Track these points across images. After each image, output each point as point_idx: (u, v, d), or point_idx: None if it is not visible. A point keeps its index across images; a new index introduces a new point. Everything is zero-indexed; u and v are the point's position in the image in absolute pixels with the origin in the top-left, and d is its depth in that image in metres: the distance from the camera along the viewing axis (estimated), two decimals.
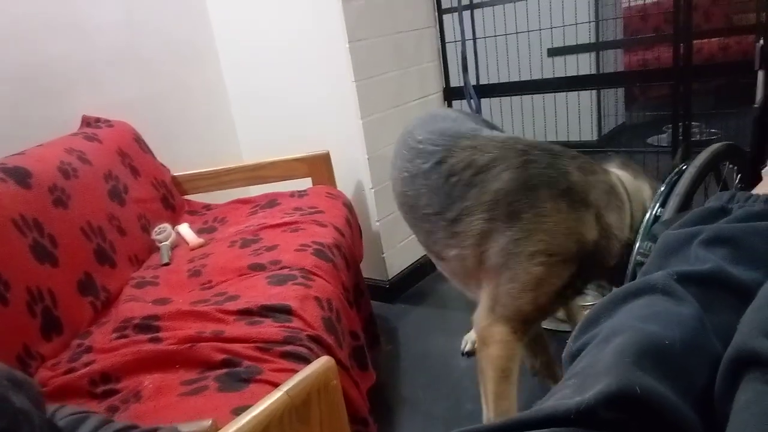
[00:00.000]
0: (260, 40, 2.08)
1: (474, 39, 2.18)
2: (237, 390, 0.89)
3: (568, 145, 1.22)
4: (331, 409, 0.73)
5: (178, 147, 2.06)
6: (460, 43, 2.15)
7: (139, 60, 1.96)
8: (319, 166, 1.91)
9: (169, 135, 2.05)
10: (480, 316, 1.15)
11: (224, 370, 0.95)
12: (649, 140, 2.98)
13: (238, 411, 0.78)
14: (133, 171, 1.69)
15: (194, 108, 2.16)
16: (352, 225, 1.77)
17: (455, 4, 2.13)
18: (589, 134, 3.05)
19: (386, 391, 1.63)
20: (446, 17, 2.19)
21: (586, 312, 0.70)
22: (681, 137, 1.76)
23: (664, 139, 2.77)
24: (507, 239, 1.09)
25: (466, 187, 1.15)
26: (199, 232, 1.68)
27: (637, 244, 0.94)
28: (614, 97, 2.97)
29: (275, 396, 0.66)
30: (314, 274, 1.31)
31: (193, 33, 2.14)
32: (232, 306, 1.15)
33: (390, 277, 2.15)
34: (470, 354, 1.73)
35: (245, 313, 1.12)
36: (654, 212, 1.01)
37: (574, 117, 2.29)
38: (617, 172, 1.16)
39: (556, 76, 2.17)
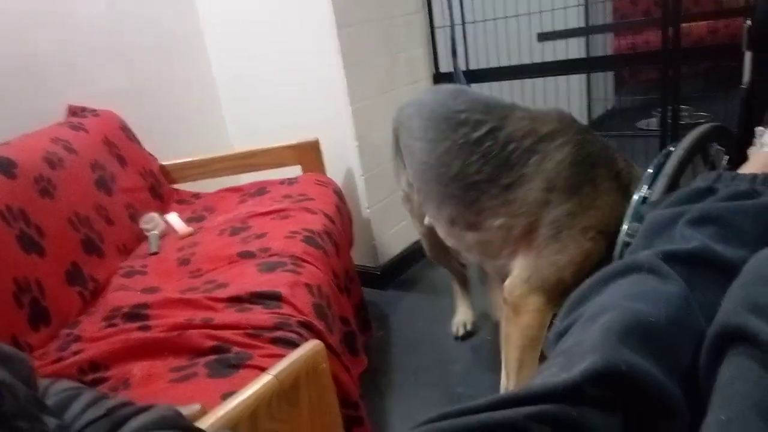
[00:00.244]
0: (248, 26, 2.05)
1: (463, 24, 2.17)
2: (226, 376, 0.89)
3: None
4: (320, 392, 0.73)
5: (166, 136, 2.05)
6: (449, 28, 2.14)
7: (124, 49, 1.93)
8: (309, 154, 1.89)
9: (157, 124, 2.03)
10: (513, 284, 1.18)
11: (214, 357, 0.95)
12: (639, 124, 2.98)
13: (228, 396, 0.78)
14: (120, 160, 1.67)
15: (182, 96, 2.14)
16: (343, 212, 1.76)
17: None
18: (579, 119, 3.04)
19: (378, 376, 1.63)
20: (435, 2, 2.18)
21: (574, 292, 0.71)
22: (670, 121, 1.77)
23: (653, 122, 2.77)
24: (562, 211, 1.12)
25: (526, 153, 1.16)
26: (187, 220, 1.67)
27: (625, 225, 0.95)
28: (603, 81, 2.97)
29: (264, 380, 0.66)
30: (304, 260, 1.30)
31: (180, 21, 2.12)
32: (221, 293, 1.14)
33: (381, 264, 2.15)
34: (465, 337, 1.74)
35: (235, 300, 1.12)
36: (642, 193, 1.01)
37: (563, 101, 2.29)
38: None
39: (545, 60, 2.16)
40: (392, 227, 2.15)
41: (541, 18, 2.14)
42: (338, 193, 1.80)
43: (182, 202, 1.86)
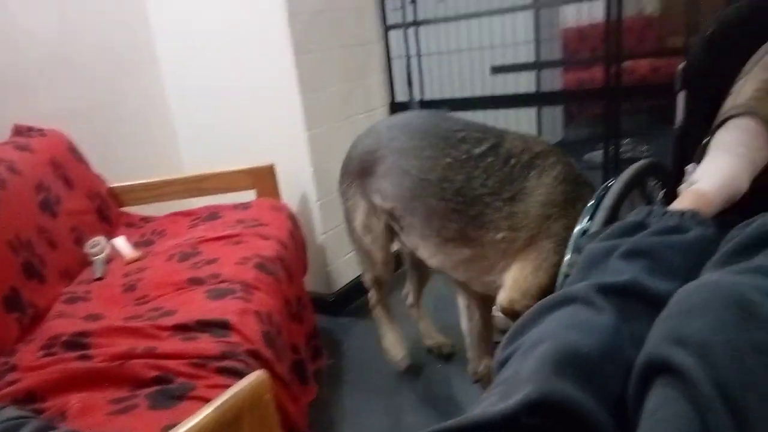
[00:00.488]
0: (204, 48, 2.05)
1: (419, 55, 2.23)
2: (168, 407, 0.87)
3: None
4: (263, 423, 0.73)
5: (116, 157, 2.00)
6: (405, 58, 2.19)
7: (74, 68, 1.90)
8: (264, 178, 1.89)
9: (107, 145, 1.99)
10: (512, 297, 1.21)
11: (156, 388, 0.92)
12: (585, 157, 3.10)
13: (169, 429, 0.76)
14: (66, 182, 1.63)
15: (133, 117, 2.11)
16: (297, 238, 1.76)
17: (401, 21, 2.17)
18: None
19: (328, 405, 1.62)
20: (392, 33, 2.23)
21: (515, 322, 0.73)
22: (612, 154, 1.85)
23: (598, 155, 2.89)
24: (561, 226, 1.18)
25: (525, 168, 1.23)
26: (135, 245, 1.63)
27: (567, 257, 0.98)
28: (553, 114, 3.08)
29: (205, 412, 0.65)
30: (255, 287, 1.29)
31: (133, 40, 2.10)
32: (167, 321, 1.12)
33: (335, 290, 2.15)
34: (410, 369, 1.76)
35: (181, 328, 1.09)
36: (582, 226, 1.05)
37: None
38: None
39: (498, 93, 2.23)
40: (347, 254, 2.15)
41: (492, 53, 2.21)
42: (293, 218, 1.80)
43: (131, 225, 1.82)
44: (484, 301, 1.46)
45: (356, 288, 2.21)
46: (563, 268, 0.97)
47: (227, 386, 0.87)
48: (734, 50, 1.06)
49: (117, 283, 1.38)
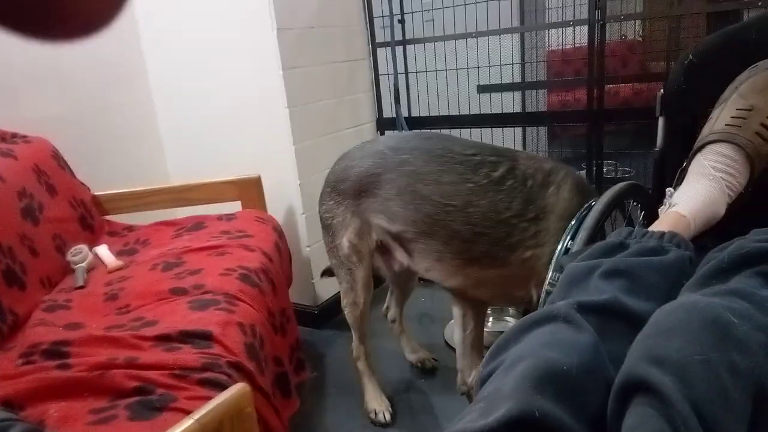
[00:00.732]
0: (192, 61, 2.06)
1: (406, 73, 2.26)
2: (148, 419, 0.86)
3: None
4: None
5: (101, 166, 1.99)
6: (393, 75, 2.22)
7: (62, 75, 1.89)
8: (250, 190, 1.89)
9: (93, 153, 1.98)
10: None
11: (136, 398, 0.92)
12: None
13: None
14: (49, 189, 1.61)
15: (120, 126, 2.10)
16: (282, 250, 1.76)
17: (389, 39, 2.20)
18: None
19: (310, 419, 1.61)
20: (380, 50, 2.26)
21: (498, 339, 0.74)
22: (594, 175, 1.88)
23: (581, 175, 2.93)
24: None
25: (542, 187, 1.29)
26: (118, 254, 1.62)
27: (549, 275, 1.00)
28: (537, 134, 3.13)
29: (185, 424, 0.65)
30: (238, 299, 1.29)
31: (122, 51, 2.10)
32: (149, 332, 1.11)
33: (319, 303, 2.14)
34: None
35: (163, 339, 1.09)
36: (565, 244, 1.07)
37: None
38: None
39: (484, 112, 2.27)
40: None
41: (480, 72, 2.25)
42: (278, 230, 1.80)
43: (114, 234, 1.80)
44: (480, 312, 1.49)
45: (340, 301, 2.20)
46: (545, 286, 0.99)
47: (209, 398, 0.87)
48: (712, 78, 1.10)
49: (99, 292, 1.37)
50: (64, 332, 1.15)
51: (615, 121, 1.93)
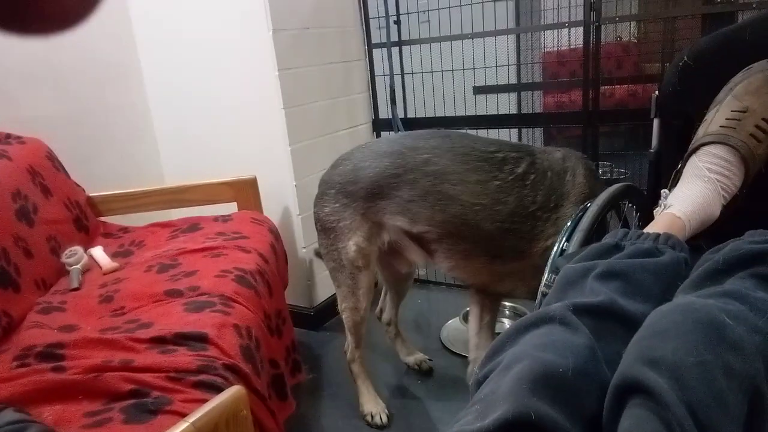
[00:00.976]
0: (188, 61, 2.05)
1: (402, 74, 2.26)
2: (143, 422, 0.86)
3: None
4: None
5: (97, 167, 1.99)
6: (388, 76, 2.22)
7: (56, 76, 1.88)
8: (245, 191, 1.89)
9: (88, 154, 1.97)
10: None
11: (131, 401, 0.91)
12: None
13: None
14: (44, 190, 1.61)
15: (115, 127, 2.10)
16: (278, 251, 1.75)
17: (385, 40, 2.20)
18: None
19: (307, 421, 1.61)
20: (376, 51, 2.26)
21: (493, 341, 0.74)
22: None
23: None
24: None
25: (560, 176, 1.34)
26: (113, 255, 1.61)
27: (544, 276, 1.00)
28: (533, 135, 3.13)
29: (180, 427, 0.64)
30: (234, 300, 1.29)
31: (117, 51, 2.09)
32: (144, 334, 1.11)
33: (315, 305, 2.14)
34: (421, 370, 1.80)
35: (158, 341, 1.08)
36: (560, 246, 1.07)
37: None
38: None
39: (480, 113, 2.27)
40: None
41: (475, 73, 2.25)
42: (274, 231, 1.80)
43: (109, 235, 1.80)
44: (497, 304, 1.54)
45: (337, 303, 2.20)
46: (541, 287, 0.99)
47: (204, 401, 0.87)
48: (707, 79, 1.10)
49: (93, 294, 1.36)
50: (59, 334, 1.15)
51: (610, 122, 1.94)
